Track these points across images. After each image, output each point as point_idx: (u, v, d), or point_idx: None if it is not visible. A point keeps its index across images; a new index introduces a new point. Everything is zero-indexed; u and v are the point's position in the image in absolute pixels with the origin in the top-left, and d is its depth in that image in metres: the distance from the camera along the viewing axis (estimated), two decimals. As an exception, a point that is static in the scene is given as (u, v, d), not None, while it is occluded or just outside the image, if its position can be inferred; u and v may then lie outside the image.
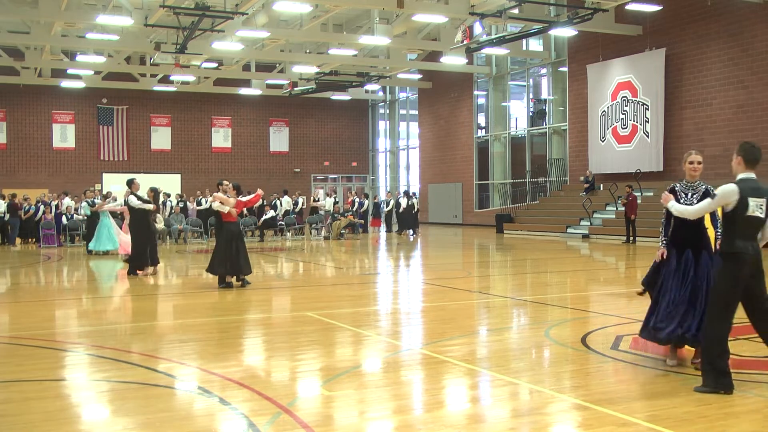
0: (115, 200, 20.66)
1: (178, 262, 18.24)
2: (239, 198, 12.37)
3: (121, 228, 18.02)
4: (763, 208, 5.60)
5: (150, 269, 14.28)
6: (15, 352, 7.55)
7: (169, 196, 26.70)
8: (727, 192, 5.58)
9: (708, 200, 5.95)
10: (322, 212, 28.04)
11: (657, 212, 23.68)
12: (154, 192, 14.39)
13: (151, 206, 14.14)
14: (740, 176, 5.67)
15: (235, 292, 11.79)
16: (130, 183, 14.18)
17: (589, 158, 27.54)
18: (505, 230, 28.07)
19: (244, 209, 15.46)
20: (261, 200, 23.06)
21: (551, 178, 30.29)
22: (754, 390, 5.70)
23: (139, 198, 14.15)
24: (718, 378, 5.52)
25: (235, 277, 12.21)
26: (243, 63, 31.71)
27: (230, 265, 12.04)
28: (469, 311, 10.26)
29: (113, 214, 18.76)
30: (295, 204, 28.90)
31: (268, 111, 38.30)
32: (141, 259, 14.12)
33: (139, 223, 14.18)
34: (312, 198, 30.32)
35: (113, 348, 7.58)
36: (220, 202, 12.12)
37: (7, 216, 24.02)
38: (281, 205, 27.92)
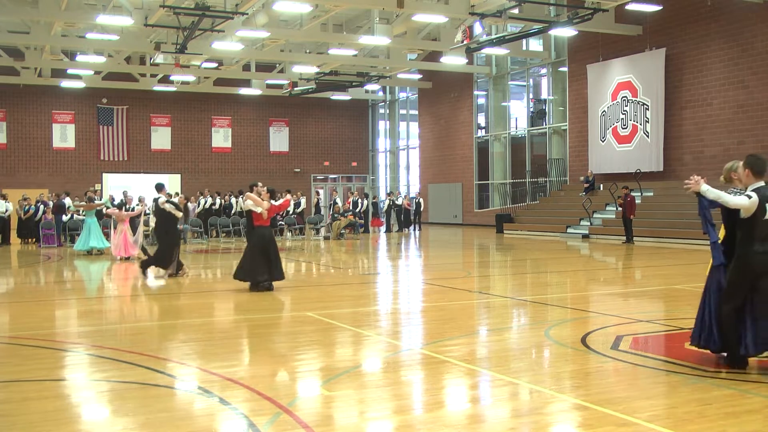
0: (92, 200, 21.55)
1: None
2: (272, 202, 12.19)
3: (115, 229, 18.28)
4: None
5: (170, 270, 14.18)
6: (15, 352, 7.55)
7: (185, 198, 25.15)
8: (755, 201, 6.10)
9: (747, 199, 6.13)
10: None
11: (656, 212, 23.80)
12: (186, 200, 14.62)
13: (179, 213, 14.40)
14: (753, 186, 6.16)
15: (235, 293, 11.80)
16: (161, 188, 14.47)
17: (589, 158, 27.53)
18: (505, 230, 28.06)
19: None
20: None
21: (551, 178, 30.28)
22: (754, 390, 5.70)
23: (172, 203, 14.28)
24: (729, 355, 6.29)
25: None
26: (243, 63, 31.70)
27: (266, 270, 11.81)
28: (469, 311, 10.26)
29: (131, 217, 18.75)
30: (297, 204, 28.88)
31: (268, 111, 38.28)
32: (164, 259, 14.09)
33: (168, 225, 14.29)
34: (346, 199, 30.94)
35: (113, 348, 7.58)
36: (254, 203, 11.91)
37: (24, 214, 24.28)
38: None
